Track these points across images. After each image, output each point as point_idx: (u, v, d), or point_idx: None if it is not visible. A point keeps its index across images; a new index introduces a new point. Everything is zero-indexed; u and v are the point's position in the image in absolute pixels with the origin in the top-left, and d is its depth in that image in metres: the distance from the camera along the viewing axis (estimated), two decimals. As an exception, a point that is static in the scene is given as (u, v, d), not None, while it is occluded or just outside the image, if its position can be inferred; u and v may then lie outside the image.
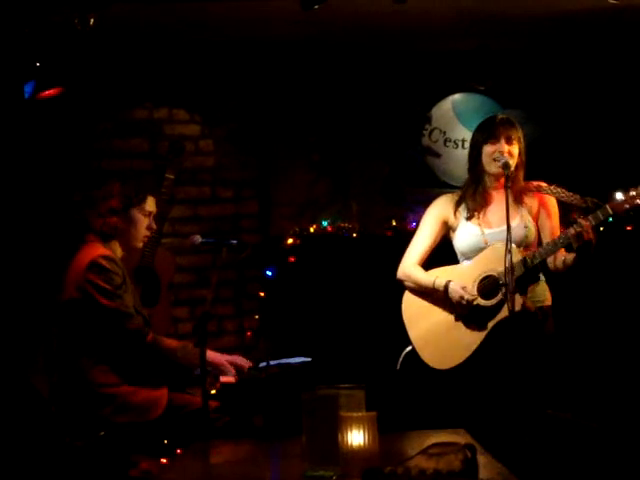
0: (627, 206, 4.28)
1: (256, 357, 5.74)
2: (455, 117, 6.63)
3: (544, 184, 4.64)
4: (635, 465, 4.77)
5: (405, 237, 6.35)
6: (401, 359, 4.83)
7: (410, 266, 4.79)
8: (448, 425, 3.88)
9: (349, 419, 3.23)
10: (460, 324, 4.60)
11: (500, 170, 4.50)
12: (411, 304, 4.80)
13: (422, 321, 4.73)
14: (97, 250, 4.49)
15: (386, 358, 5.96)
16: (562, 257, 4.52)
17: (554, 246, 4.42)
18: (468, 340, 4.55)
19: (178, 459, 4.10)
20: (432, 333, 4.68)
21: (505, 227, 4.40)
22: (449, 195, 4.85)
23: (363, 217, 6.71)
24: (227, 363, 4.51)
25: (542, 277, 4.64)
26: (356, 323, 6.22)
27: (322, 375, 4.30)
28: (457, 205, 4.74)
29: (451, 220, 4.75)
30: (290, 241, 6.46)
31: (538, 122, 6.40)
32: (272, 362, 4.77)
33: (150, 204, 4.67)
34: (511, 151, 4.57)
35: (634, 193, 4.29)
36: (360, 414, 3.29)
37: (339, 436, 3.13)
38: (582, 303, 5.99)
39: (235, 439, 4.27)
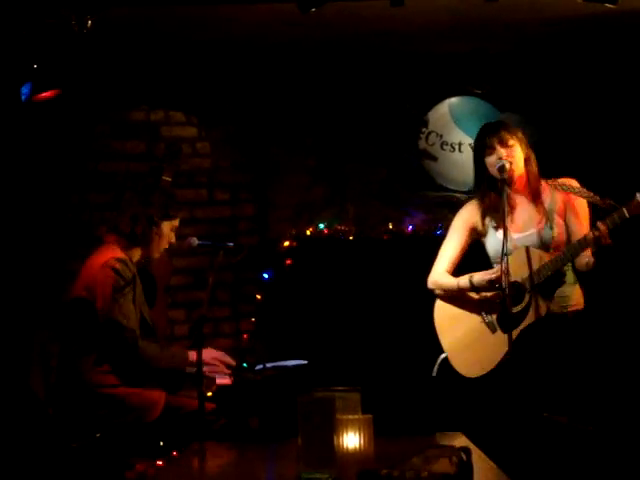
0: None
1: (252, 360, 5.76)
2: (452, 120, 6.63)
3: (567, 181, 4.60)
4: (631, 469, 4.77)
5: (402, 240, 6.39)
6: (437, 366, 4.80)
7: (438, 274, 4.78)
8: (451, 428, 3.89)
9: (345, 422, 3.24)
10: (488, 331, 4.59)
11: (507, 175, 4.48)
12: (442, 313, 4.80)
13: (453, 330, 4.72)
14: (114, 252, 4.52)
15: (382, 360, 5.98)
16: (586, 259, 4.48)
17: (575, 250, 4.38)
18: (496, 347, 4.52)
19: (174, 461, 4.11)
20: (462, 341, 4.67)
21: (532, 230, 4.47)
22: (474, 201, 4.80)
23: (360, 220, 6.70)
24: (212, 360, 4.53)
25: (575, 279, 4.61)
26: (352, 326, 6.22)
27: (318, 378, 4.30)
28: (482, 216, 4.72)
29: (479, 228, 4.73)
30: (287, 244, 6.46)
31: (536, 126, 6.40)
32: (268, 365, 4.78)
33: (178, 221, 4.73)
34: (510, 153, 4.56)
35: None
36: (356, 417, 3.30)
37: (335, 439, 3.13)
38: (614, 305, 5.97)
39: (231, 441, 4.28)
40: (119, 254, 4.51)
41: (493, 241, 4.67)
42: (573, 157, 6.44)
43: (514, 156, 4.57)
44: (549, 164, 4.76)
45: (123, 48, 5.96)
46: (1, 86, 5.39)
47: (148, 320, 4.61)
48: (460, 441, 3.48)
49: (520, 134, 4.64)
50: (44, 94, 5.42)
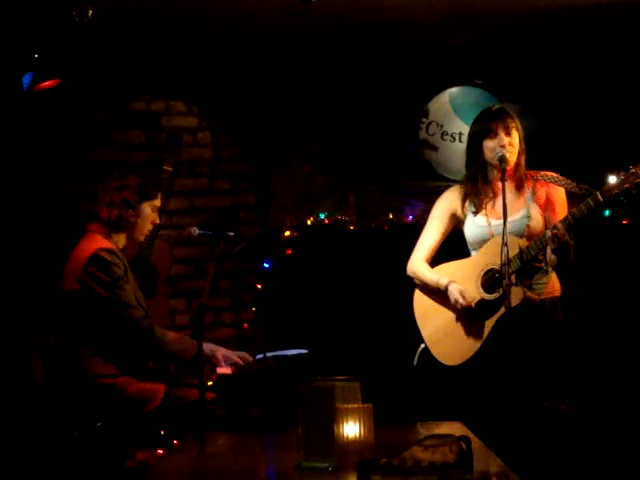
0: (616, 191, 4.21)
1: (253, 349, 5.77)
2: (452, 110, 6.63)
3: (549, 173, 4.61)
4: (630, 458, 4.79)
5: (402, 230, 6.40)
6: (417, 356, 4.82)
7: (417, 263, 4.78)
8: (446, 418, 3.90)
9: (345, 411, 3.25)
10: (467, 319, 4.60)
11: (506, 165, 4.48)
12: (421, 301, 4.80)
13: (432, 319, 4.73)
14: (99, 242, 4.49)
15: (382, 350, 5.99)
16: (550, 255, 4.51)
17: (539, 245, 4.40)
18: (475, 335, 4.54)
19: (175, 450, 4.11)
20: (442, 330, 4.67)
21: (511, 218, 4.42)
22: (457, 187, 4.81)
23: (360, 210, 6.71)
24: (222, 358, 4.53)
25: (551, 268, 4.61)
26: (352, 315, 6.23)
27: (318, 367, 4.31)
28: (463, 200, 4.73)
29: (459, 213, 4.73)
30: (287, 233, 6.46)
31: (536, 115, 6.40)
32: (269, 354, 4.78)
33: (159, 199, 4.71)
34: (511, 142, 4.56)
35: (623, 178, 4.25)
36: (356, 406, 3.31)
37: (335, 428, 3.14)
38: (579, 298, 5.98)
39: (231, 430, 4.28)
40: (105, 244, 4.49)
41: (471, 226, 4.68)
42: (571, 146, 6.45)
43: (514, 145, 4.57)
44: (547, 153, 4.77)
45: (124, 38, 5.96)
46: (2, 76, 5.39)
47: (141, 303, 4.60)
48: (459, 430, 3.49)
49: (519, 124, 4.64)
50: (45, 84, 5.42)
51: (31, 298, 5.75)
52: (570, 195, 4.54)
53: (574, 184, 4.46)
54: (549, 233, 4.31)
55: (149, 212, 4.65)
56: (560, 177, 4.54)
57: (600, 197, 4.24)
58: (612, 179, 4.24)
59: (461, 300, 4.53)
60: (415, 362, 4.81)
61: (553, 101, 6.60)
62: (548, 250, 4.42)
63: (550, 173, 4.59)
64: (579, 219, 4.29)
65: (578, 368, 5.39)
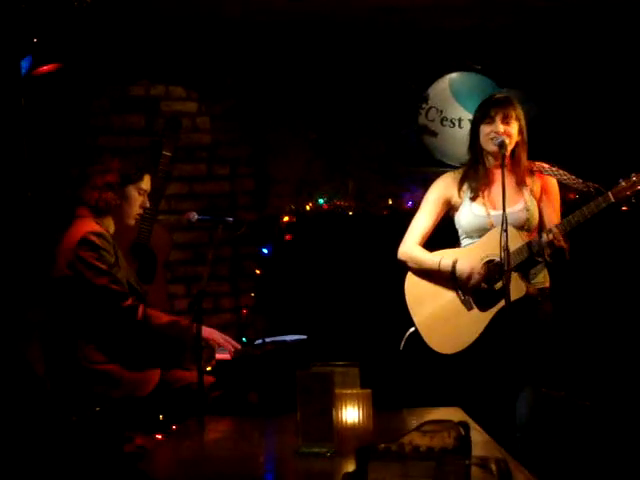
0: (629, 192, 4.27)
1: (252, 335, 5.77)
2: (452, 96, 6.62)
3: (547, 165, 4.63)
4: (628, 443, 4.80)
5: (401, 216, 6.39)
6: (404, 340, 4.81)
7: (412, 246, 4.76)
8: (444, 403, 3.90)
9: (344, 396, 3.25)
10: (465, 308, 4.59)
11: (505, 151, 4.48)
12: (414, 286, 4.77)
13: (426, 305, 4.71)
14: (88, 226, 4.49)
15: (381, 336, 5.99)
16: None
17: (532, 249, 4.41)
18: (473, 325, 4.54)
19: (173, 435, 4.12)
20: (437, 317, 4.66)
21: (510, 209, 4.41)
22: (451, 173, 4.82)
23: (359, 196, 6.70)
24: (223, 340, 4.53)
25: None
26: (351, 301, 6.23)
27: (317, 352, 4.31)
28: (460, 184, 4.72)
29: (454, 199, 4.73)
30: (286, 219, 6.46)
31: (536, 101, 6.39)
32: (267, 339, 4.79)
33: (146, 182, 4.69)
34: (508, 130, 4.55)
35: (635, 179, 4.28)
36: (354, 391, 3.31)
37: (334, 413, 3.14)
38: (579, 284, 5.99)
39: (230, 416, 4.29)
40: (94, 227, 4.50)
41: (468, 214, 4.67)
42: (571, 132, 6.45)
43: (511, 134, 4.57)
44: (546, 139, 4.76)
45: (123, 22, 5.95)
46: (1, 60, 5.38)
47: (134, 285, 4.60)
48: (458, 415, 3.49)
49: (522, 114, 4.64)
50: (44, 68, 5.41)
51: (29, 284, 5.74)
52: (576, 192, 4.56)
53: (579, 181, 4.48)
54: (545, 238, 4.34)
55: (135, 195, 4.64)
56: (568, 174, 4.55)
57: (612, 198, 4.28)
58: (621, 181, 4.28)
59: (475, 275, 4.51)
60: (402, 346, 4.81)
61: (553, 87, 6.58)
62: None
63: (556, 168, 4.59)
64: (589, 218, 4.31)
65: (569, 357, 5.41)
